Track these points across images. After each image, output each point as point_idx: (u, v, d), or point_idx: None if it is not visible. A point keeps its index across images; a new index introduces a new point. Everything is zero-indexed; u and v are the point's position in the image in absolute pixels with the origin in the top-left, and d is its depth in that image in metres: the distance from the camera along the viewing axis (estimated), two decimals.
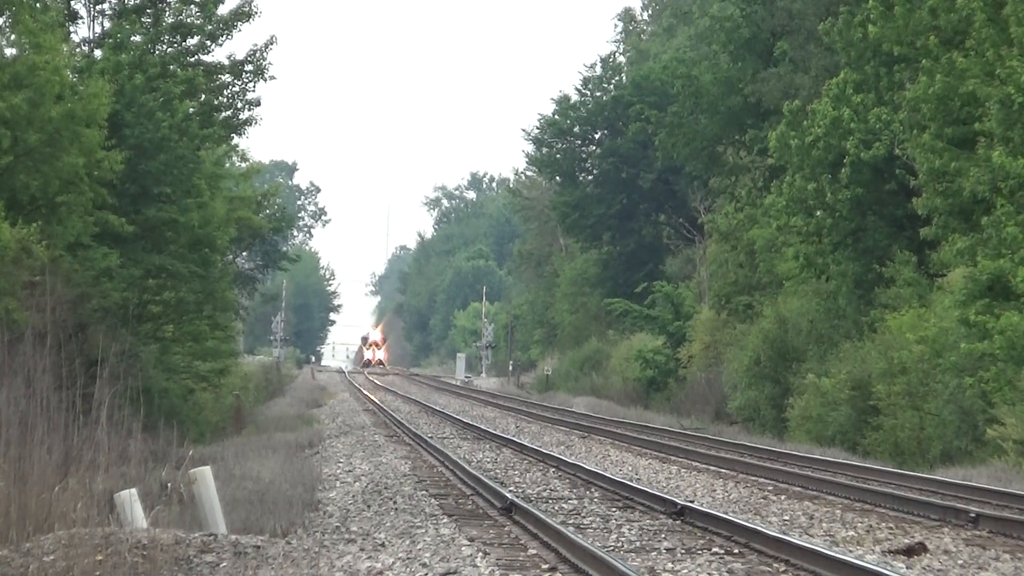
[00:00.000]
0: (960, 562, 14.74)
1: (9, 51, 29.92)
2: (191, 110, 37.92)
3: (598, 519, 18.24)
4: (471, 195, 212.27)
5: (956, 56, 31.64)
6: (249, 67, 41.03)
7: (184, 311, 38.23)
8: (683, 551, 15.13)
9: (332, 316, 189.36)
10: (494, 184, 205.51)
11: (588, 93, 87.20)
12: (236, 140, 48.13)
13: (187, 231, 36.17)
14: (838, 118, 40.88)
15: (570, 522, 17.64)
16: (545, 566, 14.01)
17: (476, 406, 58.86)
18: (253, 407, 53.91)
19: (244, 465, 24.93)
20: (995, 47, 30.20)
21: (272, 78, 41.26)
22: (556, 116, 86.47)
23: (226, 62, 41.03)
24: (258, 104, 41.89)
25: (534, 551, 15.06)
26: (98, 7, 38.55)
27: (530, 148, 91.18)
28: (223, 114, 41.53)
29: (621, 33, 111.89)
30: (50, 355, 15.81)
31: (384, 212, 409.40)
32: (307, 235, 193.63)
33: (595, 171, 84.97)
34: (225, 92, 41.32)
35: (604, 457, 30.31)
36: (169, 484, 18.28)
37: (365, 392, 74.27)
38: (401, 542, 15.63)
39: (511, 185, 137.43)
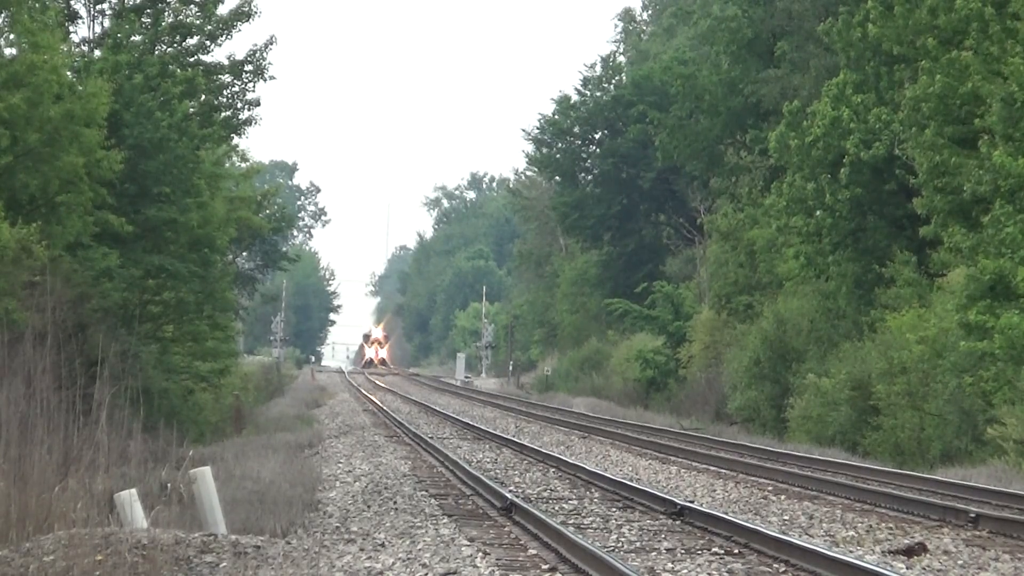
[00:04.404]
0: (960, 562, 14.73)
1: (8, 51, 29.89)
2: (191, 110, 37.90)
3: (598, 519, 18.23)
4: (471, 195, 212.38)
5: (958, 54, 31.61)
6: (249, 67, 41.03)
7: (184, 311, 38.19)
8: (683, 551, 15.13)
9: (332, 316, 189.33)
10: (494, 184, 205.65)
11: (588, 93, 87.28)
12: (236, 140, 48.17)
13: (187, 231, 36.15)
14: (838, 118, 40.88)
15: (570, 522, 17.63)
16: (545, 566, 14.00)
17: (476, 406, 58.85)
18: (253, 407, 53.85)
19: (244, 465, 24.91)
20: (1000, 43, 30.16)
21: (272, 78, 41.32)
22: (556, 116, 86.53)
23: (226, 62, 41.06)
24: (258, 104, 41.94)
25: (534, 551, 15.05)
26: (98, 7, 38.55)
27: (530, 148, 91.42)
28: (223, 114, 41.51)
29: (621, 33, 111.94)
30: (50, 355, 15.79)
31: (384, 212, 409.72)
32: (307, 235, 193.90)
33: (595, 171, 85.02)
34: (225, 92, 41.31)
35: (604, 457, 30.30)
36: (169, 484, 18.26)
37: (365, 392, 74.27)
38: (401, 542, 15.62)
39: (511, 185, 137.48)
